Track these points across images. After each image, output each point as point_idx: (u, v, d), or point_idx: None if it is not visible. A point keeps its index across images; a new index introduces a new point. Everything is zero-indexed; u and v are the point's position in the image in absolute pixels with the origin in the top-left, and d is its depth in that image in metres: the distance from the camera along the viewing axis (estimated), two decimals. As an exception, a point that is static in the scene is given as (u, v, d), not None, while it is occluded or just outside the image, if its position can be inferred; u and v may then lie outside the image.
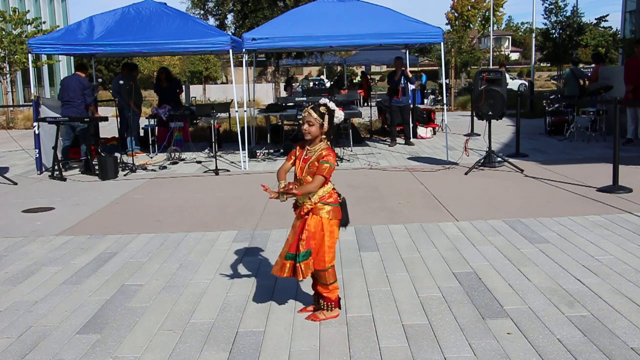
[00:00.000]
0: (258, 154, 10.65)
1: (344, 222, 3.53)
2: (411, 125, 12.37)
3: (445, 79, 16.10)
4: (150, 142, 11.29)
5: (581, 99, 12.68)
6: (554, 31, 23.69)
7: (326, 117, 3.42)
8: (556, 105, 12.60)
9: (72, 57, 29.78)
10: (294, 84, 24.75)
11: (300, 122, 3.42)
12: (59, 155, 9.24)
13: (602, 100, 11.17)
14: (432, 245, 5.05)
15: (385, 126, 13.44)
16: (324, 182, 3.41)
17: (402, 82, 11.61)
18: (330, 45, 10.93)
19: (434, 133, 13.22)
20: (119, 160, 9.35)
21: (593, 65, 13.89)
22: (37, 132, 9.28)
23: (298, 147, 3.54)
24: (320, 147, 3.42)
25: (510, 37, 69.30)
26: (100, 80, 11.98)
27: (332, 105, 3.46)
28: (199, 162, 10.24)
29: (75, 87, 9.56)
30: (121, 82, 10.42)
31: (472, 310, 3.65)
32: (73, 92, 9.49)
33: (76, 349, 3.29)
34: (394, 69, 12.00)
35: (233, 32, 16.81)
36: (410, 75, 11.87)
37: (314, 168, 3.38)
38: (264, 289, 4.13)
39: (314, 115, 3.40)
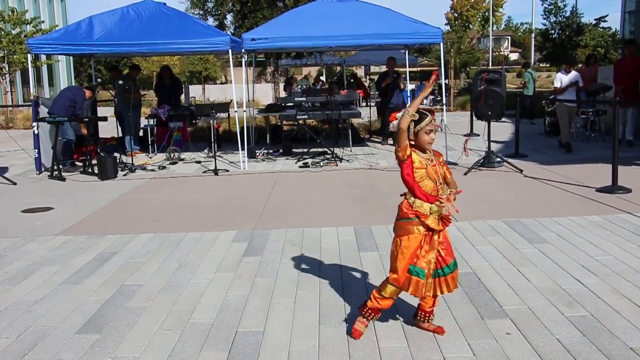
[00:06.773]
0: (257, 154, 10.65)
1: None
2: None
3: (445, 79, 16.10)
4: (150, 142, 11.29)
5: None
6: (553, 31, 23.76)
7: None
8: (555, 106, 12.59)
9: (71, 57, 29.78)
10: (293, 84, 24.74)
11: (427, 132, 3.21)
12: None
13: (600, 101, 11.17)
14: (432, 245, 5.04)
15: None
16: None
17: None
18: (330, 45, 10.93)
19: (433, 133, 13.22)
20: (118, 160, 9.35)
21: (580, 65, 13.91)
22: (36, 132, 9.28)
23: (413, 153, 3.32)
24: (431, 151, 3.31)
25: (509, 38, 69.33)
26: (99, 80, 11.99)
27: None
28: (199, 162, 10.24)
29: (66, 98, 9.53)
30: (120, 82, 10.43)
31: (471, 310, 3.65)
32: (62, 102, 9.44)
33: (75, 348, 3.29)
34: (392, 69, 12.02)
35: (232, 32, 16.80)
36: (402, 86, 11.96)
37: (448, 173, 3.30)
38: (263, 289, 4.13)
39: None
